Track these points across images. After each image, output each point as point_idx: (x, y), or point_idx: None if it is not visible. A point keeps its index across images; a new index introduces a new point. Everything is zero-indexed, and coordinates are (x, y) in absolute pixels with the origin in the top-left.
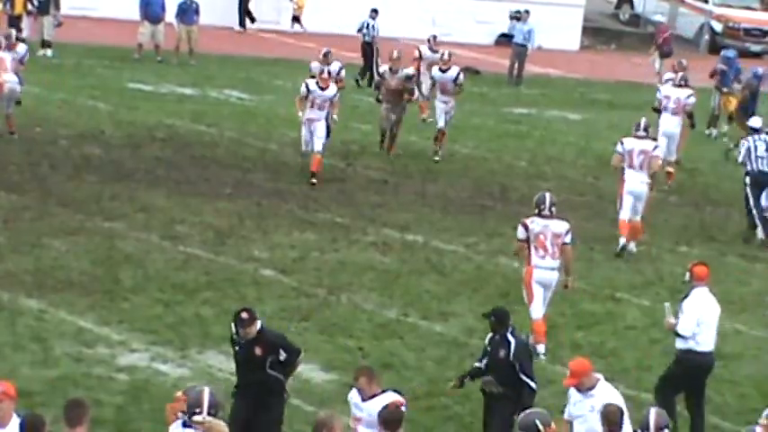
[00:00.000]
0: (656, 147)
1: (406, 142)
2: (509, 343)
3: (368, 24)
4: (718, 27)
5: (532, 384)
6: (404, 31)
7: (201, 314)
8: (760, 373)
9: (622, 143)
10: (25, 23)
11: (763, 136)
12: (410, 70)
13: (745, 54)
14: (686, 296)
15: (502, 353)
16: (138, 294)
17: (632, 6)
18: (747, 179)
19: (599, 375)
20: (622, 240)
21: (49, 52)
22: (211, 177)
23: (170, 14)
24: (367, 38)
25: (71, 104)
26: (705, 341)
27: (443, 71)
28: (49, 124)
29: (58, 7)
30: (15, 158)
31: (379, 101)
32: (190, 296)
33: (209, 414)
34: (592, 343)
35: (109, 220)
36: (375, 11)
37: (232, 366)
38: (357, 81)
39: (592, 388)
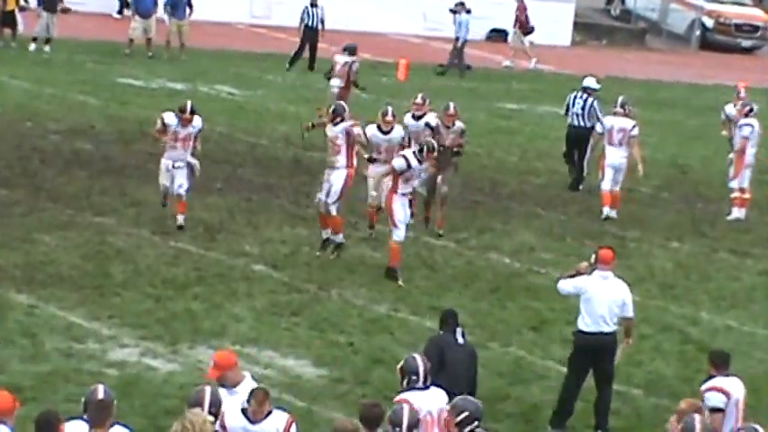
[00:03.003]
0: (634, 126)
1: None
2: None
3: (307, 11)
4: (709, 23)
5: None
6: (393, 26)
7: (192, 309)
8: (751, 369)
9: (602, 122)
10: (19, 19)
11: (585, 96)
12: (461, 124)
13: (736, 50)
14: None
15: None
16: (128, 289)
17: (623, 2)
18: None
19: (246, 373)
20: (606, 210)
21: (47, 48)
22: (202, 172)
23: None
24: (307, 23)
25: (61, 99)
26: (589, 322)
27: (448, 127)
28: (40, 119)
29: None
30: (5, 153)
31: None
32: (180, 291)
33: (209, 413)
34: None
35: (99, 215)
36: None
37: None
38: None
39: (237, 385)
